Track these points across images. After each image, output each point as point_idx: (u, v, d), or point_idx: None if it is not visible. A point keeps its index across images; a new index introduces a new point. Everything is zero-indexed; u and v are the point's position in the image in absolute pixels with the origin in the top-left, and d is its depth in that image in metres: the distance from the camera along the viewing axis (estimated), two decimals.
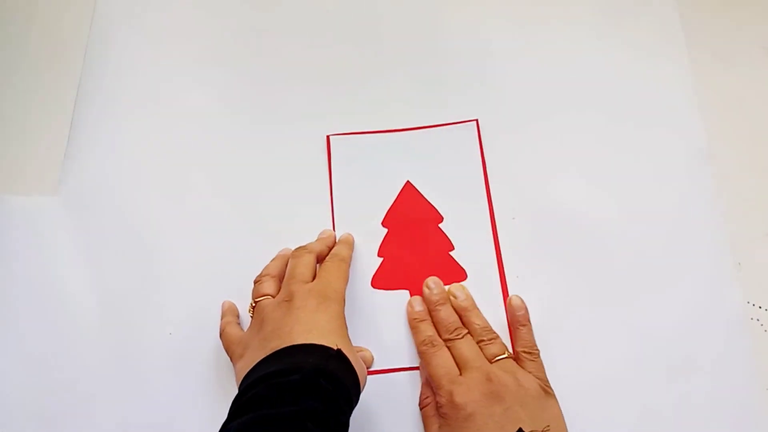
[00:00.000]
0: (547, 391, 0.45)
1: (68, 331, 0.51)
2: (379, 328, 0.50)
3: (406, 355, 0.49)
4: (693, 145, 0.55)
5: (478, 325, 0.48)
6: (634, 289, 0.50)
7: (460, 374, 0.45)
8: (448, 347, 0.47)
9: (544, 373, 0.47)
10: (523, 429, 0.41)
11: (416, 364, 0.49)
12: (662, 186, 0.54)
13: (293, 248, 0.50)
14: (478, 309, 0.50)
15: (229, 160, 0.57)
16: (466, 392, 0.43)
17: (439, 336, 0.48)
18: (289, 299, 0.43)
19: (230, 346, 0.46)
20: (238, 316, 0.50)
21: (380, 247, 0.53)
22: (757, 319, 0.49)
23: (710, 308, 0.50)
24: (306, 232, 0.53)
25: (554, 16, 0.61)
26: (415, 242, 0.53)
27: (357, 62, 0.60)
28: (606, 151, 0.55)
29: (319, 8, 0.63)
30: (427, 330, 0.48)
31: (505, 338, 0.49)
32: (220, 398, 0.48)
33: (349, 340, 0.43)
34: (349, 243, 0.52)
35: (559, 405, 0.45)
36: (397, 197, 0.55)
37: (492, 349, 0.47)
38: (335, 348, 0.40)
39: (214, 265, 0.53)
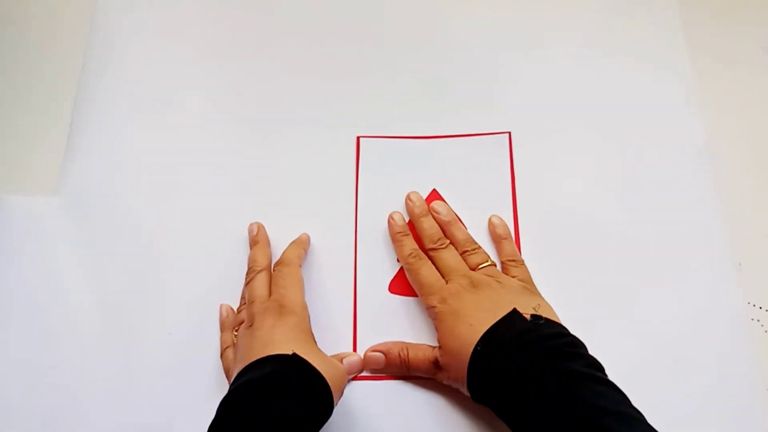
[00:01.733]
0: (531, 290, 0.47)
1: (68, 331, 0.51)
2: (395, 334, 0.50)
3: None
4: (693, 145, 0.55)
5: (461, 237, 0.50)
6: (634, 289, 0.50)
7: (447, 283, 0.47)
8: (432, 257, 0.49)
9: (530, 278, 0.48)
10: (517, 309, 0.42)
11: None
12: (662, 186, 0.54)
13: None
14: (459, 222, 0.51)
15: (230, 160, 0.57)
16: (454, 295, 0.45)
17: (422, 248, 0.50)
18: (250, 323, 0.45)
19: (226, 374, 0.48)
20: (234, 329, 0.50)
21: None
22: (757, 320, 0.49)
23: (710, 308, 0.50)
24: (326, 231, 0.53)
25: (554, 19, 0.61)
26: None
27: (380, 66, 0.60)
28: (607, 152, 0.55)
29: (329, 10, 0.63)
30: (411, 244, 0.50)
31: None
32: (220, 398, 0.48)
33: (314, 345, 0.44)
34: (299, 242, 0.52)
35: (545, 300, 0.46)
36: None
37: (475, 258, 0.48)
38: (290, 353, 0.41)
39: (215, 266, 0.53)
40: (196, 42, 0.62)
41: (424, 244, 0.50)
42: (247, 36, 0.62)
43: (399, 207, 0.54)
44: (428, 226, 0.51)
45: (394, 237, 0.51)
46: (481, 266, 0.48)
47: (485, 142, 0.56)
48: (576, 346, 0.41)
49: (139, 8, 0.64)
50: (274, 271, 0.50)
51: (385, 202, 0.54)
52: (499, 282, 0.46)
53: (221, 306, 0.51)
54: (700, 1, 0.61)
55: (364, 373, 0.49)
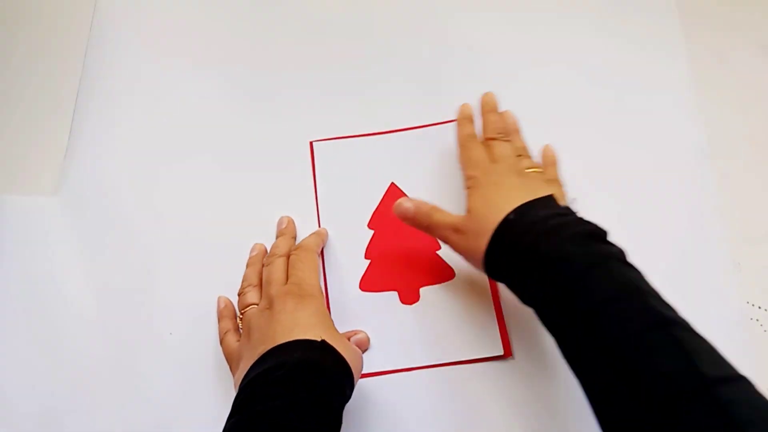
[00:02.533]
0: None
1: (68, 331, 0.51)
2: (368, 331, 0.50)
3: (399, 357, 0.49)
4: (693, 145, 0.55)
5: (520, 143, 0.51)
6: None
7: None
8: (490, 145, 0.49)
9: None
10: (554, 195, 0.43)
11: (410, 365, 0.49)
12: (662, 186, 0.54)
13: (265, 246, 0.52)
14: (521, 135, 0.52)
15: (228, 160, 0.57)
16: (499, 173, 0.46)
17: (485, 136, 0.50)
18: (269, 305, 0.45)
19: (229, 358, 0.47)
20: (235, 317, 0.50)
21: (367, 249, 0.53)
22: (757, 319, 0.49)
23: (710, 308, 0.49)
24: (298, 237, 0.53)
25: (554, 15, 0.61)
26: (402, 243, 0.53)
27: (342, 64, 0.60)
28: (606, 151, 0.55)
29: (315, 12, 0.63)
30: (472, 129, 0.51)
31: None
32: (220, 398, 0.48)
33: (335, 329, 0.44)
34: (319, 234, 0.53)
35: None
36: (382, 199, 0.55)
37: (527, 162, 0.48)
38: (319, 339, 0.41)
39: (214, 266, 0.53)
40: (196, 43, 0.62)
41: (487, 132, 0.50)
42: (246, 36, 0.62)
43: (359, 205, 0.54)
44: (496, 119, 0.51)
45: (459, 121, 0.52)
46: (530, 169, 0.48)
47: (435, 131, 0.57)
48: (607, 235, 0.40)
49: (139, 9, 0.64)
50: (292, 255, 0.50)
51: (346, 202, 0.54)
52: (547, 181, 0.47)
53: (219, 297, 0.51)
54: (700, 1, 0.61)
55: (369, 370, 0.49)
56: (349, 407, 0.43)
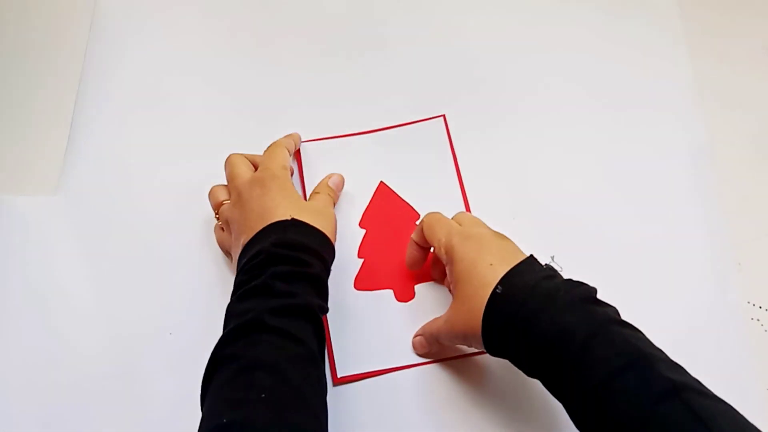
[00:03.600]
0: None
1: (68, 331, 0.51)
2: (365, 330, 0.50)
3: (394, 356, 0.49)
4: (693, 144, 0.55)
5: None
6: (634, 288, 0.50)
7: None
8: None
9: None
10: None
11: (404, 363, 0.48)
12: (662, 186, 0.54)
13: None
14: None
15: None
16: (476, 235, 0.44)
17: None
18: (239, 198, 0.47)
19: (221, 248, 0.51)
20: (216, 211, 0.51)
21: (359, 248, 0.53)
22: (757, 319, 0.49)
23: (710, 308, 0.50)
24: None
25: (556, 15, 0.61)
26: (394, 241, 0.53)
27: (326, 63, 0.61)
28: (606, 150, 0.56)
29: (313, 13, 0.63)
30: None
31: None
32: None
33: (302, 202, 0.47)
34: (291, 135, 0.54)
35: None
36: (372, 198, 0.55)
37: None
38: (289, 218, 0.44)
39: (214, 265, 0.53)
40: (195, 42, 0.62)
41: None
42: (246, 36, 0.62)
43: (349, 205, 0.54)
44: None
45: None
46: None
47: (422, 128, 0.57)
48: (595, 292, 0.39)
49: (139, 9, 0.64)
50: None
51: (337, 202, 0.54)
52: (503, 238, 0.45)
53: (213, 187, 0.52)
54: (701, 2, 0.61)
55: (367, 369, 0.48)
56: (347, 406, 0.43)
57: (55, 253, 0.54)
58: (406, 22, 0.62)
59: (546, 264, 0.41)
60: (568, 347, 0.36)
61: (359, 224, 0.54)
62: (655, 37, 0.60)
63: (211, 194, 0.51)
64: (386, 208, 0.54)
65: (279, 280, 0.40)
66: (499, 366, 0.48)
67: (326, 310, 0.43)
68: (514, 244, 0.44)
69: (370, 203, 0.55)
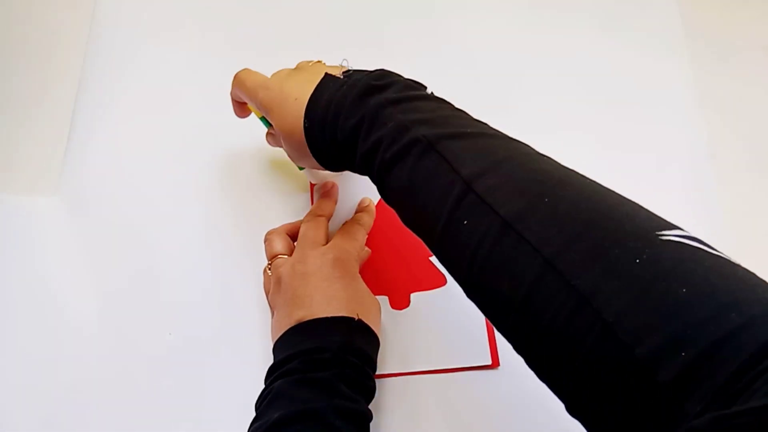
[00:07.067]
0: None
1: (67, 332, 0.51)
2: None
3: (388, 362, 0.49)
4: (693, 144, 0.55)
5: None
6: None
7: None
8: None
9: None
10: (329, 72, 0.42)
11: (398, 371, 0.48)
12: (662, 185, 0.54)
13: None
14: None
15: (227, 160, 0.57)
16: (279, 77, 0.46)
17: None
18: (303, 263, 0.45)
19: (268, 299, 0.49)
20: (269, 262, 0.49)
21: None
22: None
23: None
24: None
25: (555, 16, 0.61)
26: (394, 248, 0.52)
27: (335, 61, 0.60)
28: (606, 151, 0.55)
29: (313, 13, 0.63)
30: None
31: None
32: (220, 399, 0.48)
33: (366, 298, 0.45)
34: (371, 213, 0.52)
35: None
36: (376, 204, 0.54)
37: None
38: (356, 318, 0.43)
39: (214, 266, 0.53)
40: (195, 42, 0.62)
41: None
42: (246, 36, 0.62)
43: (354, 209, 0.53)
44: None
45: None
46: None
47: None
48: (387, 76, 0.40)
49: (138, 9, 0.64)
50: (345, 224, 0.50)
51: (339, 206, 0.53)
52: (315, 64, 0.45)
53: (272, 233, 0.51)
54: (701, 3, 0.61)
55: None
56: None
57: (54, 253, 0.54)
58: (407, 24, 0.62)
59: (342, 72, 0.41)
60: (354, 150, 0.38)
61: None
62: (655, 39, 0.60)
63: (268, 241, 0.50)
64: (386, 216, 0.53)
65: (344, 383, 0.40)
66: (488, 382, 0.48)
67: (371, 419, 0.42)
68: (307, 69, 0.44)
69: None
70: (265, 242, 0.50)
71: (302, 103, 0.41)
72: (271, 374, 0.42)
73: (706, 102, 0.56)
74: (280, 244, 0.49)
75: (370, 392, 0.42)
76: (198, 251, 0.53)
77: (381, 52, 0.61)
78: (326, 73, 0.41)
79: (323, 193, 0.52)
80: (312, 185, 0.55)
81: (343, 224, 0.50)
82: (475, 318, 0.50)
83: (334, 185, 0.53)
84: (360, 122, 0.38)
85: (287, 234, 0.50)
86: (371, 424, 0.41)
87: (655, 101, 0.57)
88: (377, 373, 0.48)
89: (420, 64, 0.60)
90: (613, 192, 0.33)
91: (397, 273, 0.52)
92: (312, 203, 0.54)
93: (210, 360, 0.50)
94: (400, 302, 0.51)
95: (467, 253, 0.32)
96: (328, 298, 0.43)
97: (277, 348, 0.43)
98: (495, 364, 0.48)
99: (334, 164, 0.42)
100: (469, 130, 0.35)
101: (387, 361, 0.49)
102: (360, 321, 0.43)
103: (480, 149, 0.34)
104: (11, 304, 0.52)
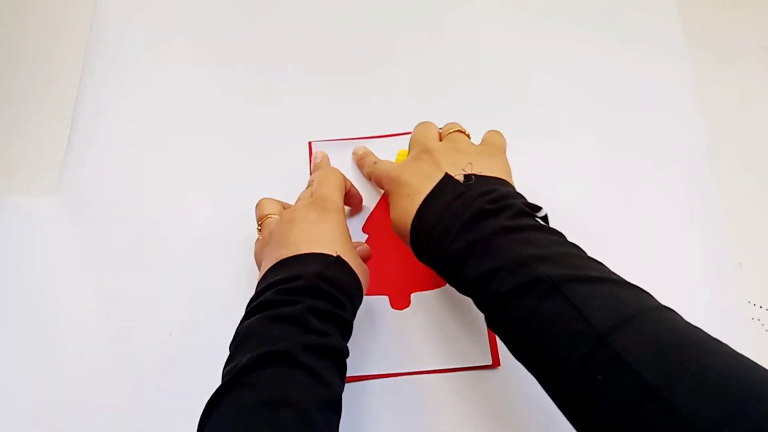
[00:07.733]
0: (488, 151, 0.46)
1: (68, 331, 0.51)
2: (358, 334, 0.49)
3: (388, 361, 0.49)
4: (693, 145, 0.55)
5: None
6: None
7: None
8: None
9: (500, 143, 0.47)
10: (449, 172, 0.42)
11: (398, 371, 0.48)
12: (662, 185, 0.54)
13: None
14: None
15: (228, 160, 0.57)
16: (400, 166, 0.46)
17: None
18: (291, 216, 0.46)
19: (256, 260, 0.49)
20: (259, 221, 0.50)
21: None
22: (758, 319, 0.49)
23: (710, 308, 0.49)
24: None
25: (554, 16, 0.61)
26: (395, 248, 0.52)
27: (343, 65, 0.60)
28: (606, 151, 0.55)
29: (316, 13, 0.63)
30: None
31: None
32: None
33: (351, 246, 0.45)
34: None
35: None
36: (378, 203, 0.54)
37: (447, 128, 0.48)
38: (335, 255, 0.42)
39: (215, 266, 0.53)
40: (196, 43, 0.62)
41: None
42: (246, 36, 0.62)
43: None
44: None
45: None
46: (449, 132, 0.46)
47: None
48: (502, 198, 0.39)
49: (139, 9, 0.64)
50: (316, 172, 0.50)
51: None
52: (455, 147, 0.44)
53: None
54: (700, 2, 0.61)
55: (356, 373, 0.48)
56: (372, 410, 0.43)
57: (55, 253, 0.54)
58: (417, 33, 0.62)
59: (463, 175, 0.41)
60: (460, 271, 0.38)
61: (362, 229, 0.54)
62: (655, 38, 0.60)
63: (258, 206, 0.50)
64: (387, 217, 0.53)
65: (315, 316, 0.39)
66: (489, 382, 0.48)
67: (348, 354, 0.41)
68: (446, 155, 0.43)
69: (375, 208, 0.54)
70: (256, 208, 0.50)
71: (415, 203, 0.41)
72: (247, 308, 0.41)
73: (706, 103, 0.56)
74: (270, 207, 0.49)
75: (345, 325, 0.41)
76: (198, 251, 0.53)
77: (383, 54, 0.61)
78: (446, 174, 0.41)
79: (315, 165, 0.55)
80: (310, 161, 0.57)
81: (316, 172, 0.51)
82: (475, 318, 0.50)
83: (324, 156, 0.55)
84: (469, 248, 0.38)
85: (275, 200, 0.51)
86: (371, 422, 0.41)
87: (656, 102, 0.57)
88: (377, 373, 0.48)
89: (420, 67, 0.60)
90: (753, 362, 0.31)
91: (397, 273, 0.52)
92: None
93: (211, 360, 0.50)
94: (400, 302, 0.51)
95: (602, 410, 0.31)
96: (310, 238, 0.43)
97: (258, 285, 0.43)
98: (495, 364, 0.48)
99: (431, 265, 0.42)
100: (594, 274, 0.35)
101: (387, 361, 0.49)
102: (339, 257, 0.42)
103: (608, 297, 0.33)
104: (11, 304, 0.52)
